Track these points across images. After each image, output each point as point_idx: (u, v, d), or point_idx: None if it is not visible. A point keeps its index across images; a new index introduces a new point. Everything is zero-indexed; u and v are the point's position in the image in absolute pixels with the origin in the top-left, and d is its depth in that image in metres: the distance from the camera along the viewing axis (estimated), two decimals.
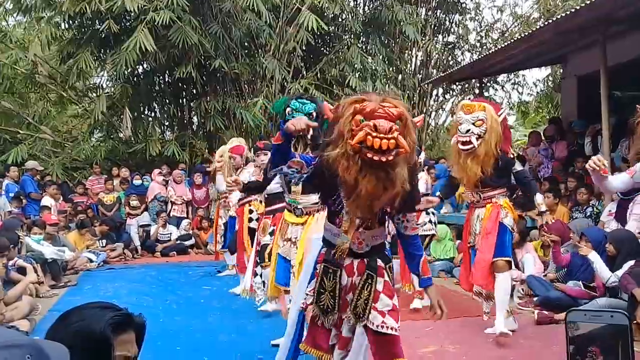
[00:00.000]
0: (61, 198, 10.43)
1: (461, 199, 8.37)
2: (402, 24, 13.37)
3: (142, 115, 13.49)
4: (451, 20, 15.76)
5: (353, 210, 2.33)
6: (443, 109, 16.56)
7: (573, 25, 6.85)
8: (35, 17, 12.45)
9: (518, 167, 4.49)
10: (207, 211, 10.87)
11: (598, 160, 2.91)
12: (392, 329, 2.42)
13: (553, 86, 15.28)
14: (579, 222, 6.49)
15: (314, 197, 3.50)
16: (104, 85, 14.06)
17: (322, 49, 14.48)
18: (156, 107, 13.88)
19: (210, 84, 12.62)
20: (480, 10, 16.25)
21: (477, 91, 12.88)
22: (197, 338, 4.63)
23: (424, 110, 15.49)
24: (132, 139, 12.56)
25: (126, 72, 12.10)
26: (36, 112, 13.95)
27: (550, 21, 7.64)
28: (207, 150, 12.43)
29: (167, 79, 13.33)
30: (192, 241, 10.46)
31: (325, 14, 12.75)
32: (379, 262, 2.48)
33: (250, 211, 5.90)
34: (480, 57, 11.35)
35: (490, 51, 10.88)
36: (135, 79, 13.05)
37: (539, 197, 4.49)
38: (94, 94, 13.64)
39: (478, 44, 16.07)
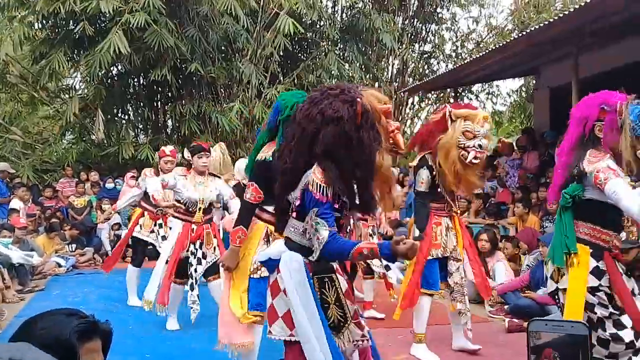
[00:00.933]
0: (30, 201, 10.20)
1: None
2: (379, 32, 13.47)
3: (116, 118, 13.30)
4: (427, 30, 15.94)
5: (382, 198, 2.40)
6: (419, 117, 16.74)
7: (546, 37, 7.00)
8: (8, 17, 12.19)
9: None
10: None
11: None
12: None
13: (526, 97, 15.56)
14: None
15: None
16: (77, 87, 13.86)
17: (300, 54, 14.50)
18: (130, 109, 13.70)
19: (185, 88, 12.51)
20: (456, 21, 16.49)
21: (452, 100, 13.03)
22: (167, 346, 4.56)
23: (400, 119, 15.62)
24: (105, 141, 12.37)
25: (100, 74, 11.91)
26: (6, 113, 13.65)
27: (524, 33, 7.79)
28: (181, 155, 12.29)
29: (141, 82, 13.17)
30: None
31: (303, 20, 12.78)
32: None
33: None
34: (455, 66, 11.49)
35: (465, 61, 11.03)
36: (109, 81, 12.86)
37: None
38: (67, 95, 13.40)
39: (454, 54, 16.29)
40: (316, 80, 13.05)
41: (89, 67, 11.02)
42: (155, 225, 6.26)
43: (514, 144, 10.34)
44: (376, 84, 14.92)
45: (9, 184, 10.45)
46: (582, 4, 6.48)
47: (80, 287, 7.38)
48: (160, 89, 13.15)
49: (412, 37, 15.62)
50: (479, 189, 9.14)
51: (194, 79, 12.27)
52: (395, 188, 3.72)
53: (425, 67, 16.18)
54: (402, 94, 14.71)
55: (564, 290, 2.79)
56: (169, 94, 13.10)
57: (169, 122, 13.68)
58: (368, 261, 5.04)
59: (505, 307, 5.58)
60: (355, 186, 2.19)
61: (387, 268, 5.63)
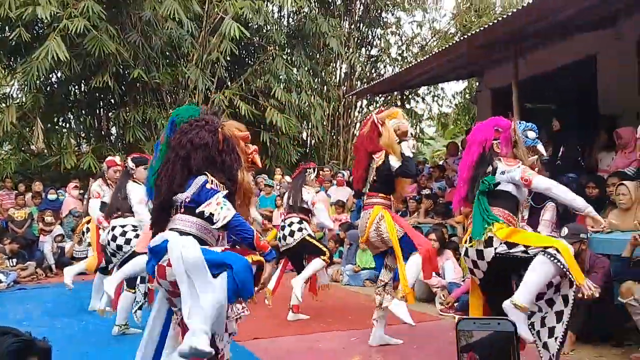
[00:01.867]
0: None
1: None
2: (326, 36, 13.56)
3: (56, 127, 12.88)
4: (373, 34, 16.16)
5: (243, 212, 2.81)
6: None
7: (487, 40, 7.19)
8: None
9: None
10: None
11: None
12: None
13: (470, 98, 15.97)
14: None
15: None
16: (14, 95, 13.29)
17: (247, 59, 14.42)
18: (71, 117, 13.28)
19: (129, 94, 12.22)
20: (400, 25, 16.79)
21: (399, 103, 13.24)
22: None
23: (349, 122, 15.76)
24: (45, 151, 11.93)
25: (38, 82, 11.48)
26: None
27: (466, 36, 7.99)
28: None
29: (83, 89, 12.79)
30: None
31: (250, 25, 12.71)
32: None
33: None
34: (401, 70, 11.68)
35: (411, 64, 11.23)
36: (48, 89, 12.42)
37: None
38: (3, 104, 12.83)
39: (399, 58, 16.58)
40: (264, 85, 13.01)
41: (26, 74, 10.59)
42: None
43: (459, 144, 10.57)
44: (324, 88, 15.02)
45: None
46: (519, 7, 6.70)
47: (22, 303, 7.07)
48: (102, 95, 12.79)
49: (359, 41, 15.79)
50: (428, 189, 9.35)
51: (137, 85, 11.99)
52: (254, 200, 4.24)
53: (373, 70, 16.39)
54: (350, 97, 14.84)
55: (506, 244, 3.15)
56: (112, 101, 12.76)
57: (113, 130, 13.33)
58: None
59: (455, 304, 5.68)
60: None
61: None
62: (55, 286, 8.38)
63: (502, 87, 9.21)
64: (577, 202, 3.27)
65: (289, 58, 14.16)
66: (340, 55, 14.69)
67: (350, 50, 14.92)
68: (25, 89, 12.05)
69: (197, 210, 2.60)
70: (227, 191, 2.64)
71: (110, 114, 13.04)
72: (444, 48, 8.85)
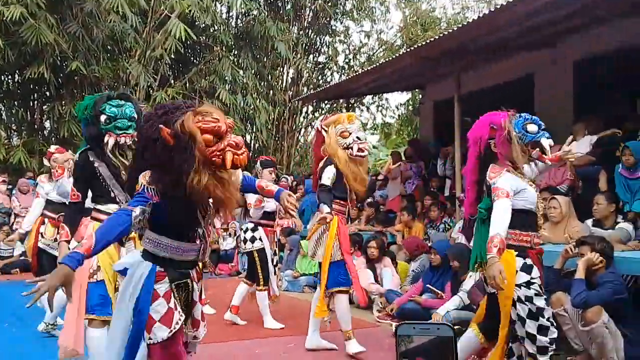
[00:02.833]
0: None
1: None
2: (274, 40, 13.49)
3: None
4: (322, 41, 16.24)
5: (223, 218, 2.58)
6: (312, 126, 16.93)
7: (431, 54, 7.35)
8: None
9: None
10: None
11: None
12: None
13: (413, 110, 16.31)
14: (437, 237, 6.89)
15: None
16: None
17: (192, 58, 14.15)
18: (2, 108, 12.59)
19: (66, 87, 11.73)
20: (349, 34, 16.97)
21: (344, 111, 13.35)
22: None
23: (294, 127, 15.73)
24: None
25: None
26: None
27: (411, 49, 8.15)
28: None
29: (16, 79, 12.17)
30: None
31: (196, 23, 12.49)
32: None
33: None
34: (348, 78, 11.78)
35: (357, 73, 11.34)
36: None
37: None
38: None
39: (346, 66, 16.73)
40: (209, 85, 12.80)
41: None
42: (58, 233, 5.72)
43: (402, 154, 10.75)
44: (270, 92, 14.94)
45: None
46: (464, 24, 6.89)
47: None
48: (37, 87, 12.22)
49: (307, 47, 15.82)
50: (370, 197, 9.44)
51: (75, 78, 11.53)
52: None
53: (319, 77, 16.45)
54: (296, 102, 14.83)
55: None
56: (47, 94, 12.21)
57: (47, 124, 12.74)
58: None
59: (390, 311, 5.73)
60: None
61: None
62: None
63: (444, 100, 9.44)
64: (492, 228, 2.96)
65: (235, 60, 14.00)
66: (287, 60, 14.65)
67: (298, 55, 14.92)
68: None
69: None
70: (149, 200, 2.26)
71: (44, 106, 12.46)
72: (390, 59, 8.98)
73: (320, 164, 4.47)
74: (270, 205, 5.39)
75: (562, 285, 3.91)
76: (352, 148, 4.35)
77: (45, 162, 5.89)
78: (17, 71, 11.73)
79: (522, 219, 3.09)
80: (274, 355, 4.44)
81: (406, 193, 9.01)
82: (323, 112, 16.57)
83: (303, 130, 16.65)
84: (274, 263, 5.53)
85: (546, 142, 3.14)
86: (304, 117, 16.38)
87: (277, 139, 15.37)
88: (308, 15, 15.49)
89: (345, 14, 16.11)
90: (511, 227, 3.00)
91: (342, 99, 13.49)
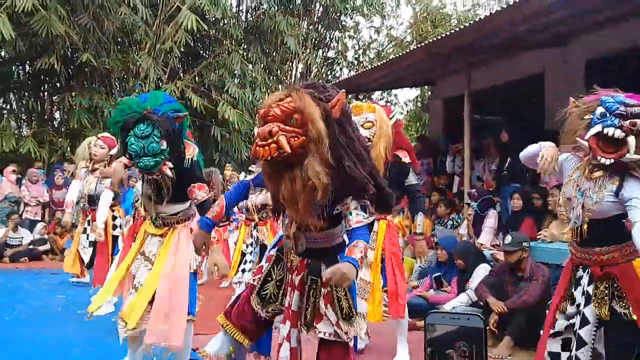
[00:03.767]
0: None
1: None
2: (284, 34, 13.48)
3: None
4: (331, 37, 16.21)
5: (291, 215, 2.30)
6: None
7: (442, 50, 7.33)
8: None
9: (412, 179, 4.04)
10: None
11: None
12: (345, 334, 2.30)
13: (422, 106, 16.27)
14: (443, 234, 6.88)
15: (176, 207, 3.28)
16: None
17: (202, 52, 14.17)
18: (13, 99, 12.66)
19: (77, 79, 11.79)
20: (359, 30, 16.94)
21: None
22: (46, 351, 4.22)
23: None
24: None
25: None
26: None
27: (422, 45, 8.12)
28: (69, 149, 11.54)
29: (27, 70, 12.23)
30: (47, 246, 9.58)
31: (207, 17, 12.49)
32: (323, 267, 2.30)
33: (114, 217, 5.46)
34: (357, 73, 11.76)
35: (366, 69, 11.32)
36: None
37: (419, 218, 4.02)
38: None
39: (355, 62, 16.70)
40: (218, 79, 12.81)
41: None
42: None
43: None
44: (280, 87, 14.93)
45: None
46: (475, 20, 6.86)
47: None
48: (47, 78, 12.29)
49: (316, 42, 15.80)
50: None
51: (86, 69, 11.59)
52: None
53: (329, 72, 16.44)
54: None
55: None
56: (58, 85, 12.27)
57: (57, 114, 12.81)
58: None
59: None
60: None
61: None
62: None
63: (454, 97, 9.41)
64: None
65: (245, 54, 14.00)
66: (297, 55, 14.64)
67: (308, 50, 14.91)
68: None
69: None
70: None
71: (54, 97, 12.51)
72: (399, 55, 8.96)
73: None
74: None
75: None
76: None
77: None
78: (28, 62, 11.79)
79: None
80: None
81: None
82: None
83: None
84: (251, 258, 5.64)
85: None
86: None
87: None
88: (318, 10, 15.47)
89: (355, 9, 16.07)
90: None
91: (351, 94, 13.46)
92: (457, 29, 7.16)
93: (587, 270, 2.66)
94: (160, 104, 3.02)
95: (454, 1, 24.52)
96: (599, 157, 2.50)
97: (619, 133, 2.42)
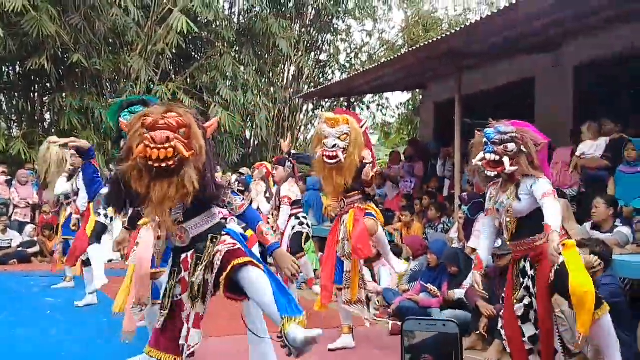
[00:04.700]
0: None
1: (327, 212, 8.54)
2: (276, 37, 13.48)
3: None
4: (323, 40, 16.23)
5: (150, 215, 2.53)
6: (312, 124, 16.93)
7: (433, 54, 7.37)
8: None
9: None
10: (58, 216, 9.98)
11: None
12: (230, 244, 2.54)
13: (413, 110, 16.32)
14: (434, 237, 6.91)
15: None
16: None
17: (194, 54, 14.15)
18: (3, 99, 12.58)
19: (67, 79, 11.72)
20: (350, 33, 16.94)
21: (345, 109, 13.36)
22: (36, 353, 4.20)
23: (294, 125, 15.74)
24: None
25: None
26: None
27: (413, 48, 8.16)
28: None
29: (17, 70, 12.15)
30: (36, 248, 9.52)
31: (199, 19, 12.48)
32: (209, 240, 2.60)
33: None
34: (349, 76, 11.78)
35: (358, 72, 11.35)
36: None
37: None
38: None
39: (347, 64, 16.71)
40: (210, 81, 12.79)
41: None
42: None
43: (401, 154, 10.77)
44: (271, 89, 14.94)
45: None
46: (466, 25, 6.90)
47: None
48: (38, 79, 12.22)
49: (309, 45, 15.81)
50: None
51: (76, 70, 11.53)
52: None
53: (320, 75, 16.45)
54: (296, 100, 14.83)
55: None
56: (48, 85, 12.20)
57: (47, 115, 12.72)
58: None
59: (389, 309, 5.75)
60: None
61: None
62: None
63: (445, 101, 9.46)
64: None
65: (237, 56, 13.99)
66: (289, 58, 14.64)
67: (300, 53, 14.92)
68: None
69: None
70: None
71: (45, 98, 12.44)
72: (391, 58, 8.99)
73: None
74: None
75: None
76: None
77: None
78: (18, 62, 11.71)
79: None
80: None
81: (403, 192, 9.04)
82: (324, 110, 16.59)
83: (303, 128, 16.65)
84: None
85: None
86: (304, 115, 16.38)
87: (277, 136, 15.36)
88: (310, 13, 15.48)
89: (347, 12, 16.09)
90: None
91: (342, 97, 13.50)
92: (449, 33, 7.19)
93: (526, 259, 3.29)
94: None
95: (446, 6, 24.70)
96: (488, 172, 3.26)
97: (494, 157, 3.20)
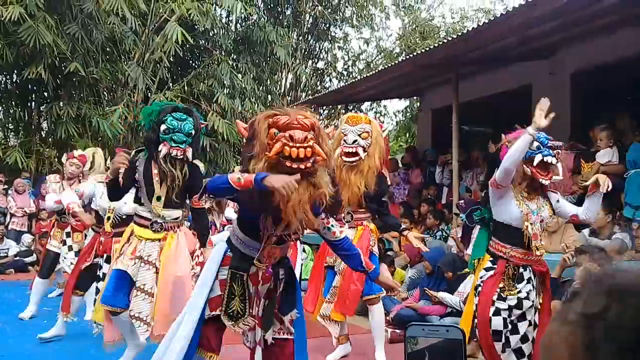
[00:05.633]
0: None
1: None
2: (273, 45, 13.50)
3: None
4: (321, 48, 16.28)
5: (288, 219, 2.33)
6: None
7: (430, 62, 7.39)
8: None
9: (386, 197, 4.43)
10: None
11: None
12: (289, 333, 2.60)
13: (410, 117, 16.35)
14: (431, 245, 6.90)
15: (177, 212, 3.60)
16: None
17: (191, 62, 14.16)
18: (0, 108, 12.55)
19: (64, 88, 11.69)
20: (348, 41, 17.01)
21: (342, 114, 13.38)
22: None
23: None
24: None
25: None
26: None
27: (410, 56, 8.18)
28: (56, 159, 11.44)
29: (14, 79, 12.13)
30: (33, 258, 9.48)
31: (196, 27, 12.50)
32: (281, 272, 2.61)
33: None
34: (346, 84, 11.80)
35: (355, 80, 11.37)
36: None
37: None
38: None
39: (345, 72, 16.77)
40: (207, 89, 12.79)
41: None
42: (64, 235, 5.69)
43: (399, 161, 10.78)
44: (269, 97, 14.95)
45: None
46: (463, 32, 6.92)
47: None
48: (35, 88, 12.19)
49: (306, 53, 15.86)
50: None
51: (74, 79, 11.51)
52: None
53: (318, 83, 16.48)
54: (294, 107, 14.80)
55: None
56: (45, 94, 12.18)
57: (44, 124, 12.69)
58: None
59: (388, 317, 5.72)
60: None
61: None
62: None
63: (442, 108, 9.48)
64: None
65: (234, 64, 14.00)
66: (286, 65, 14.67)
67: (297, 61, 14.95)
68: None
69: None
70: None
71: (42, 107, 12.42)
72: (388, 66, 9.01)
73: None
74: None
75: (560, 293, 3.92)
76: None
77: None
78: (15, 71, 11.69)
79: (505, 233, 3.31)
80: None
81: (400, 200, 9.03)
82: (321, 118, 16.60)
83: None
84: None
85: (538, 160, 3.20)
86: None
87: None
88: (308, 21, 15.53)
89: (344, 20, 16.16)
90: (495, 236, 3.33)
91: (340, 105, 13.51)
92: (446, 41, 7.22)
93: (527, 269, 3.24)
94: None
95: (443, 14, 24.79)
96: (540, 180, 3.18)
97: (554, 160, 3.16)
